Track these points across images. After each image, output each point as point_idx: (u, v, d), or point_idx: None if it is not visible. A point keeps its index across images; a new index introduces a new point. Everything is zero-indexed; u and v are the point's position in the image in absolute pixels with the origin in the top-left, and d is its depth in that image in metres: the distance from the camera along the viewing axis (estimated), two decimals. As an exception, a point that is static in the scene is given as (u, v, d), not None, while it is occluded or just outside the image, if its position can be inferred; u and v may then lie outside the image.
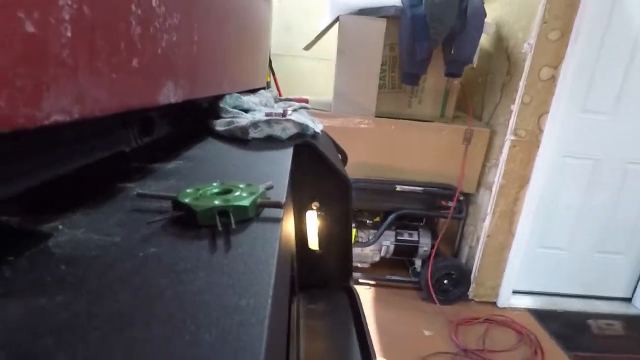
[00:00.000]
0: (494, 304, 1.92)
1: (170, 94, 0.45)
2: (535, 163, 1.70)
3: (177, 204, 0.30)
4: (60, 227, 0.29)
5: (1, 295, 0.20)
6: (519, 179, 1.74)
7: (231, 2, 0.70)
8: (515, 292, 1.94)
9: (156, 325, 0.18)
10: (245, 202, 0.30)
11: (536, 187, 1.74)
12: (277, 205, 0.33)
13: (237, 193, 0.32)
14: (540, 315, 1.86)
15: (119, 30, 0.32)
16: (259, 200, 0.32)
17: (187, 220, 0.29)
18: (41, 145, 0.33)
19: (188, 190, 0.32)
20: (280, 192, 0.38)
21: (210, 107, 0.80)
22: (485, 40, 1.93)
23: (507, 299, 1.92)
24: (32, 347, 0.17)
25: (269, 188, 0.37)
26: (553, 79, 1.60)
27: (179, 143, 0.62)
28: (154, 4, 0.38)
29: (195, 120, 0.76)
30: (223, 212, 0.29)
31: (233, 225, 0.28)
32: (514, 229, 1.81)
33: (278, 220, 0.31)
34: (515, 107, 1.66)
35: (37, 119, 0.23)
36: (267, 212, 0.33)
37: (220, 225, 0.28)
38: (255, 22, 1.02)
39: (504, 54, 1.77)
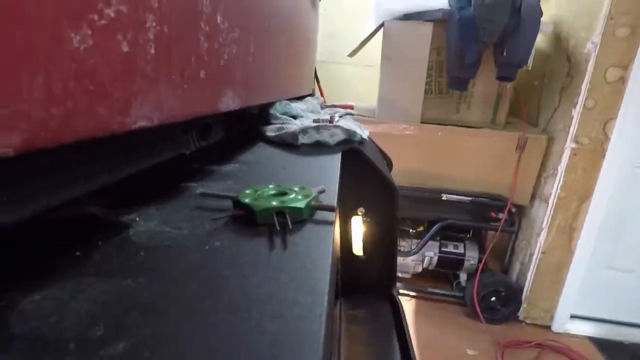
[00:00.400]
0: (548, 327, 1.77)
1: (229, 102, 0.49)
2: (600, 174, 1.56)
3: (237, 204, 0.33)
4: (137, 219, 0.32)
5: (93, 274, 0.23)
6: (580, 191, 1.61)
7: (283, 14, 0.74)
8: (573, 316, 1.78)
9: (224, 311, 0.20)
10: (301, 204, 0.32)
11: (601, 200, 1.59)
12: (330, 208, 0.34)
13: (293, 195, 0.34)
14: (603, 345, 1.68)
15: (190, 45, 0.35)
16: (312, 202, 0.34)
17: (246, 219, 0.32)
18: (118, 147, 0.37)
19: (247, 191, 0.35)
20: (331, 196, 0.40)
21: (260, 114, 0.84)
22: (541, 41, 1.82)
23: (563, 324, 1.75)
24: (123, 319, 0.19)
25: (321, 192, 0.38)
26: (622, 80, 1.46)
27: (232, 147, 0.66)
28: (219, 20, 0.41)
29: (247, 126, 0.80)
30: (280, 212, 0.31)
31: (290, 225, 0.30)
32: (573, 246, 1.67)
33: (331, 223, 0.33)
34: (576, 112, 1.54)
35: (126, 125, 0.26)
36: (320, 215, 0.35)
37: (278, 224, 0.30)
38: (304, 32, 1.05)
39: (564, 54, 1.66)
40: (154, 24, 0.28)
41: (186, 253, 0.26)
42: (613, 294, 1.78)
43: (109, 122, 0.24)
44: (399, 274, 1.96)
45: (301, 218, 0.32)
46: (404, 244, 1.89)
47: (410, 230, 1.93)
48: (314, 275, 0.24)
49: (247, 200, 0.32)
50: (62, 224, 0.31)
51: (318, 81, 2.43)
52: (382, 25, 1.64)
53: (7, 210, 0.25)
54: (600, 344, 1.70)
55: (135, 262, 0.25)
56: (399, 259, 1.90)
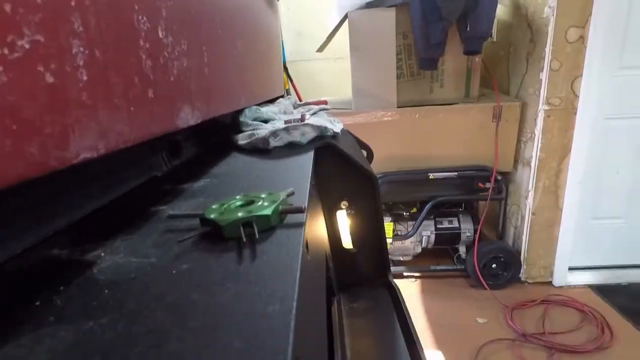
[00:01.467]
0: (550, 283, 1.82)
1: (188, 117, 0.47)
2: (575, 131, 1.60)
3: (204, 221, 0.32)
4: (103, 254, 0.31)
5: (54, 322, 0.22)
6: (558, 150, 1.64)
7: (237, 19, 0.72)
8: (571, 268, 1.83)
9: (190, 337, 0.19)
10: (267, 211, 0.31)
11: (579, 156, 1.64)
12: (299, 210, 0.33)
13: (259, 203, 0.33)
14: (604, 290, 1.75)
15: (130, 66, 0.34)
16: (280, 207, 0.33)
17: (214, 235, 0.31)
18: (81, 180, 0.36)
19: (213, 206, 0.34)
20: (302, 197, 0.39)
21: (233, 123, 0.82)
22: (502, 12, 1.85)
23: (563, 277, 1.81)
24: (82, 367, 0.18)
25: (291, 194, 0.37)
26: (582, 39, 1.50)
27: (206, 161, 0.64)
28: (161, 35, 0.40)
29: (220, 137, 0.78)
30: (247, 223, 0.30)
31: (257, 235, 0.29)
32: (560, 203, 1.71)
33: (301, 225, 0.32)
34: (544, 76, 1.57)
35: (67, 160, 0.25)
36: (291, 218, 0.34)
37: (245, 236, 0.29)
38: (265, 34, 1.04)
39: (524, 22, 1.68)
40: (81, 49, 0.27)
41: (152, 282, 0.25)
42: (604, 241, 1.84)
43: (45, 160, 0.23)
44: (400, 258, 1.98)
45: (269, 225, 0.31)
46: (400, 228, 1.90)
47: (404, 214, 1.94)
48: (283, 281, 0.23)
49: (212, 216, 0.31)
50: (22, 272, 0.29)
51: (292, 81, 2.42)
52: (346, 16, 1.63)
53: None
54: (600, 289, 1.76)
55: (99, 301, 0.24)
56: (398, 243, 1.91)
